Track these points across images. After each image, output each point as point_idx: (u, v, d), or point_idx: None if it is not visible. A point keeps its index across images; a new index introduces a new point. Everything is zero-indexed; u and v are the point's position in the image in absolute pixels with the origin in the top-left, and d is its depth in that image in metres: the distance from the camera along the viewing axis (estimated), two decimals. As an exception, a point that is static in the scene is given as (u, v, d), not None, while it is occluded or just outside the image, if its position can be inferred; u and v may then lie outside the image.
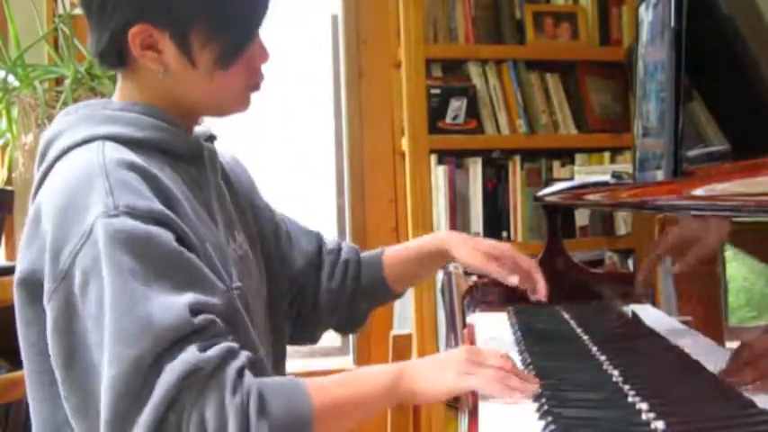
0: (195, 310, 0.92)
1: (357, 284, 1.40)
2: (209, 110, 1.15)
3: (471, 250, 1.34)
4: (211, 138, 1.22)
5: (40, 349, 1.02)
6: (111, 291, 0.91)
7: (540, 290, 1.36)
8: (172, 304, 0.91)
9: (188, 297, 0.93)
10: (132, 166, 1.00)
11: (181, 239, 0.99)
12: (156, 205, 0.97)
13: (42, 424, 1.05)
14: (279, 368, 1.26)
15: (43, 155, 1.09)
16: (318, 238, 1.42)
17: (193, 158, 1.14)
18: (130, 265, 0.92)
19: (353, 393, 1.00)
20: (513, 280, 1.33)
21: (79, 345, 0.94)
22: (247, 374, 0.92)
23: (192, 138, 1.15)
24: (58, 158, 1.05)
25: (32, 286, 1.01)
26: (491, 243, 1.38)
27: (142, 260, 0.92)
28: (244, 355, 0.94)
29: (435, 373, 1.03)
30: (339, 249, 1.42)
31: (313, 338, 1.44)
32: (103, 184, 0.96)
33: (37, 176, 1.08)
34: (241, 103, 1.15)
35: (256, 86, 1.15)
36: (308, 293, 1.38)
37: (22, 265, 1.03)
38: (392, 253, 1.42)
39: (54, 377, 0.98)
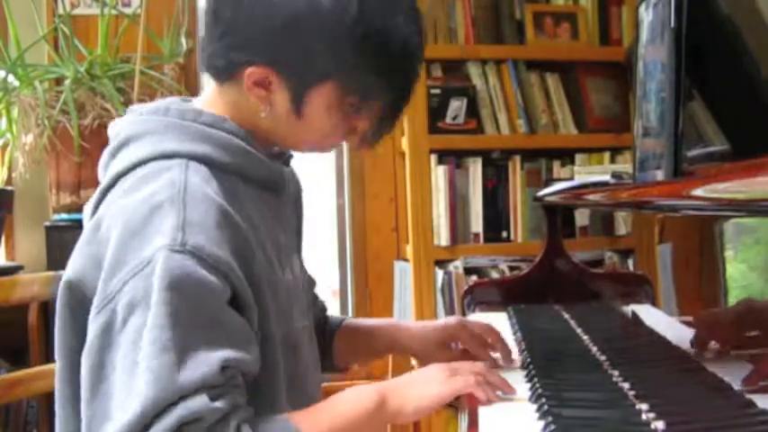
0: (227, 365, 0.91)
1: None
2: (285, 144, 1.12)
3: (422, 343, 1.29)
4: (289, 158, 1.19)
5: (71, 349, 1.01)
6: (152, 326, 0.89)
7: (506, 357, 1.26)
8: (207, 359, 0.90)
9: (224, 353, 0.91)
10: (213, 204, 0.96)
11: (236, 295, 0.97)
12: (223, 255, 0.94)
13: (68, 421, 1.04)
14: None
15: (118, 149, 1.04)
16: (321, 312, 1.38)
17: (274, 187, 1.11)
18: (178, 306, 0.90)
19: (344, 421, 0.97)
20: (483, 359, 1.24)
21: (108, 369, 0.93)
22: (245, 428, 0.91)
23: (275, 166, 1.11)
24: (137, 164, 1.01)
25: (74, 292, 0.99)
26: (439, 325, 1.31)
27: (190, 306, 0.91)
28: (249, 411, 0.93)
29: (420, 387, 1.01)
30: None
31: None
32: (178, 215, 0.93)
33: (107, 174, 1.04)
34: (311, 149, 1.14)
35: (338, 145, 1.15)
36: None
37: (71, 269, 1.00)
38: (353, 322, 1.37)
39: None
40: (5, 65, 2.36)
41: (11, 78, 2.39)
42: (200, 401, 0.88)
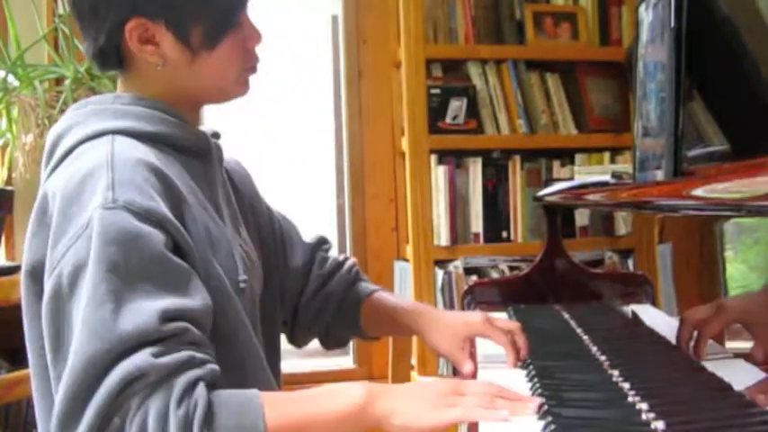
0: (168, 317, 0.91)
1: (337, 315, 1.37)
2: (210, 96, 1.16)
3: (448, 337, 1.26)
4: (216, 135, 1.22)
5: (42, 344, 1.01)
6: (90, 282, 0.90)
7: (523, 353, 1.22)
8: (143, 309, 0.90)
9: (163, 303, 0.91)
10: (140, 163, 1.00)
11: (176, 244, 0.98)
12: (156, 205, 0.97)
13: (45, 418, 1.05)
14: (273, 368, 1.25)
15: (52, 150, 1.09)
16: (313, 252, 1.39)
17: (201, 153, 1.15)
18: (115, 259, 0.91)
19: (315, 414, 0.93)
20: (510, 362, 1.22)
21: (65, 333, 0.93)
22: (200, 386, 0.88)
23: (199, 132, 1.16)
24: (69, 152, 1.05)
25: (39, 278, 1.01)
26: (461, 320, 1.29)
27: (127, 258, 0.92)
28: (206, 368, 0.91)
29: (412, 405, 0.93)
30: (332, 273, 1.39)
31: (297, 345, 1.43)
32: (107, 177, 0.96)
33: (45, 171, 1.08)
34: (240, 86, 1.16)
35: (253, 68, 1.16)
36: (288, 306, 1.37)
37: (28, 257, 1.03)
38: (381, 300, 1.37)
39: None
40: (5, 65, 2.35)
41: (11, 78, 2.38)
42: (141, 357, 0.87)
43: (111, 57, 1.10)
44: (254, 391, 0.92)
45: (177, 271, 0.96)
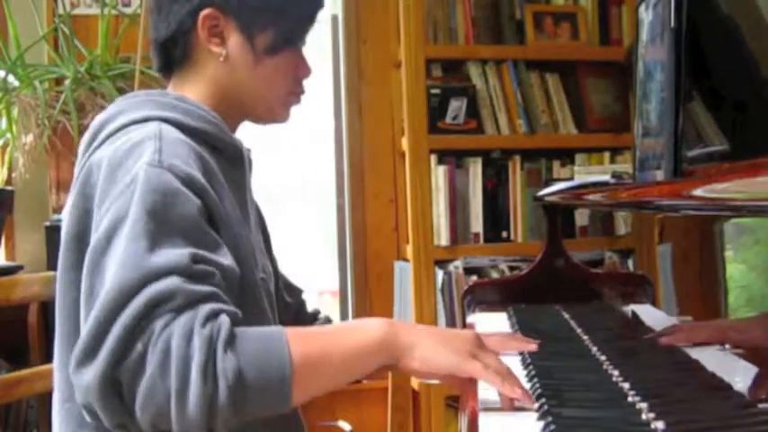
0: (199, 260, 0.92)
1: None
2: (255, 108, 1.21)
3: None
4: (248, 150, 1.26)
5: (71, 313, 1.03)
6: (128, 224, 0.92)
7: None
8: (176, 249, 0.91)
9: (196, 250, 0.93)
10: (185, 143, 1.05)
11: (210, 213, 1.01)
12: (197, 175, 1.01)
13: (64, 389, 1.05)
14: None
15: (96, 133, 1.11)
16: (299, 296, 1.42)
17: (235, 158, 1.18)
18: (155, 207, 0.94)
19: (338, 344, 0.94)
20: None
21: (98, 285, 0.93)
22: (224, 315, 0.88)
23: (236, 138, 1.20)
24: (116, 131, 1.08)
25: (76, 248, 1.02)
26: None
27: (166, 208, 0.94)
28: (230, 307, 0.91)
29: (437, 346, 0.95)
30: (313, 318, 1.42)
31: None
32: (155, 145, 1.00)
33: (87, 152, 1.10)
34: (283, 108, 1.23)
35: (298, 97, 1.23)
36: None
37: (68, 227, 1.05)
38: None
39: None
40: (5, 65, 2.35)
41: (11, 78, 2.39)
42: (170, 281, 0.88)
43: (178, 45, 1.16)
44: (277, 326, 0.94)
45: (210, 235, 0.98)
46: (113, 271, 0.90)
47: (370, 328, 0.96)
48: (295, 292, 1.41)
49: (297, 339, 0.90)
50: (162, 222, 0.93)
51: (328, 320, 1.43)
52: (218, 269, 0.94)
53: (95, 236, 0.96)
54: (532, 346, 1.24)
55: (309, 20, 1.21)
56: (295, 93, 1.23)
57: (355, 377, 0.96)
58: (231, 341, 0.86)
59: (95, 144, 1.09)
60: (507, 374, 0.97)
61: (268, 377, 0.87)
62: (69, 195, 1.08)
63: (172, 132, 1.05)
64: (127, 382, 0.85)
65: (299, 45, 1.21)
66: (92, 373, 0.85)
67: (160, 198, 0.95)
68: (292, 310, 1.39)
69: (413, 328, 0.98)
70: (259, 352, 0.87)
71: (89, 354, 0.86)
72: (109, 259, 0.92)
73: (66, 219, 1.06)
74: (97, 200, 0.99)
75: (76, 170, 1.10)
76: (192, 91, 1.17)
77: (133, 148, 1.01)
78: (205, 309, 0.87)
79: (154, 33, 1.18)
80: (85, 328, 0.88)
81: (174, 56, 1.18)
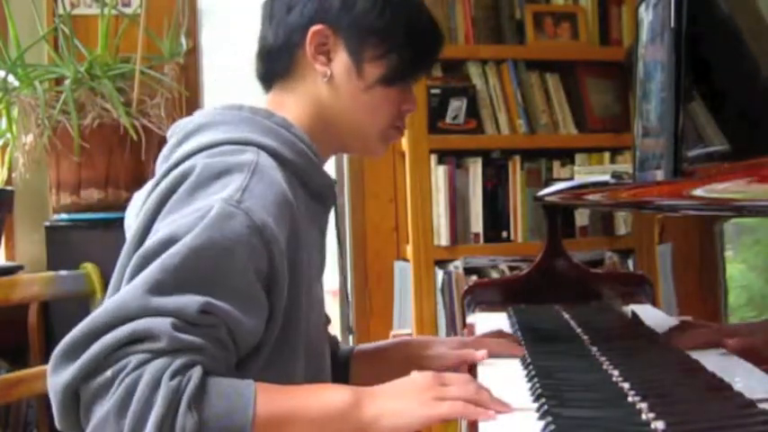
0: (207, 309, 0.90)
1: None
2: (350, 137, 1.18)
3: (445, 343, 1.31)
4: (333, 181, 1.23)
5: None
6: (175, 249, 0.91)
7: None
8: (191, 296, 0.90)
9: (211, 299, 0.90)
10: (278, 186, 1.00)
11: (271, 271, 0.98)
12: (272, 224, 0.97)
13: None
14: None
15: (191, 133, 1.08)
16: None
17: (323, 198, 1.16)
18: (203, 247, 0.91)
19: (304, 409, 0.92)
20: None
21: None
22: (198, 368, 0.88)
23: (327, 176, 1.17)
24: (213, 145, 1.04)
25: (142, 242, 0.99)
26: (455, 338, 1.36)
27: (212, 255, 0.92)
28: (213, 362, 0.91)
29: (399, 404, 0.94)
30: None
31: None
32: (243, 180, 0.98)
33: (173, 145, 1.08)
34: (381, 141, 1.19)
35: (398, 131, 1.20)
36: None
37: (147, 219, 1.01)
38: (363, 348, 1.37)
39: None
40: (5, 65, 2.35)
41: (11, 78, 2.38)
42: (163, 322, 0.87)
43: (284, 56, 1.14)
44: (248, 381, 0.92)
45: (251, 293, 0.96)
46: (128, 289, 0.90)
47: (336, 395, 0.95)
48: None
49: (265, 398, 0.90)
50: (200, 266, 0.91)
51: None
52: (229, 322, 0.92)
53: (148, 243, 0.94)
54: (519, 351, 1.26)
55: (430, 57, 1.21)
56: (396, 127, 1.19)
57: None
58: (198, 396, 0.86)
59: (188, 148, 1.05)
60: (477, 394, 0.96)
61: None
62: (151, 182, 1.05)
63: (268, 168, 1.02)
64: (85, 401, 0.87)
65: (413, 81, 1.19)
66: (61, 379, 0.87)
67: (218, 241, 0.92)
68: None
69: (375, 395, 0.95)
70: (223, 409, 0.87)
71: (68, 356, 0.87)
72: (139, 275, 0.92)
73: (144, 210, 1.02)
74: (170, 205, 0.98)
75: (160, 160, 1.08)
76: (290, 107, 1.14)
77: (222, 174, 0.98)
78: (182, 359, 0.87)
79: (261, 41, 1.16)
80: (77, 327, 0.88)
81: (277, 67, 1.15)
